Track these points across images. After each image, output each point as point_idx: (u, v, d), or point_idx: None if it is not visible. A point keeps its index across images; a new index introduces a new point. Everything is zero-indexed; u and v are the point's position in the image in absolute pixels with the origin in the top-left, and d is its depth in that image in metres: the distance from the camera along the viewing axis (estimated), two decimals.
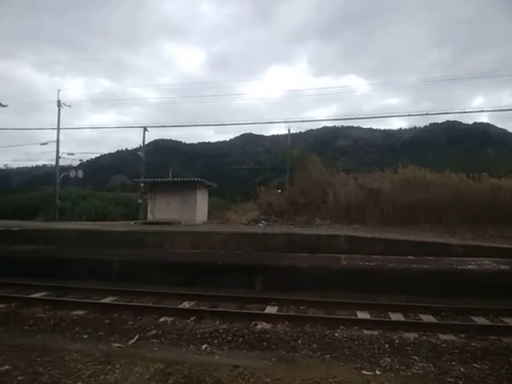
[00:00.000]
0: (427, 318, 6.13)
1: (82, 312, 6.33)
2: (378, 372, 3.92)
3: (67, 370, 3.62)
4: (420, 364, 4.22)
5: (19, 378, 3.45)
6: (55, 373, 3.55)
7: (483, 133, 71.77)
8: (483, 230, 13.00)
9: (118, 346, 4.72)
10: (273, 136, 74.93)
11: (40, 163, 46.38)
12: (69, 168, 28.42)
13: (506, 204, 13.69)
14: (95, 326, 5.63)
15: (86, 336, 5.21)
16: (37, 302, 7.01)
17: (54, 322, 5.82)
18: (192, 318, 5.95)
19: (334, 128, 77.70)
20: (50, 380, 3.40)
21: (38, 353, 4.08)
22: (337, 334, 5.23)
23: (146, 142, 28.03)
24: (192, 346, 4.85)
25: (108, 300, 7.25)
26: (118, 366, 3.72)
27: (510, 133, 72.44)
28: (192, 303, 7.04)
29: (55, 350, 4.24)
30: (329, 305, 6.86)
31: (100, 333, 5.33)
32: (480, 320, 6.07)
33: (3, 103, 24.90)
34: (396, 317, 6.20)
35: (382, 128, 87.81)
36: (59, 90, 26.30)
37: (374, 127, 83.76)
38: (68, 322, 5.78)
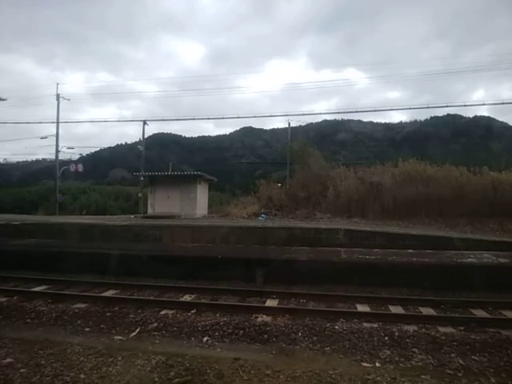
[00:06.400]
0: (427, 311, 6.16)
1: (83, 305, 6.37)
2: (377, 364, 3.94)
3: (69, 363, 3.64)
4: (419, 356, 4.25)
5: (22, 370, 3.47)
6: (57, 365, 3.58)
7: (484, 126, 71.41)
8: (483, 224, 13.01)
9: (120, 339, 4.74)
10: (273, 129, 74.65)
11: (39, 157, 46.34)
12: (68, 162, 28.38)
13: (506, 198, 13.68)
14: (97, 319, 5.66)
15: (87, 329, 5.24)
16: (38, 295, 7.04)
17: (56, 315, 5.85)
18: (193, 311, 5.99)
19: (335, 121, 77.27)
20: (53, 372, 3.42)
21: (40, 346, 4.10)
22: (337, 327, 5.26)
23: (146, 136, 27.91)
24: (193, 338, 4.87)
25: (109, 293, 7.29)
26: (119, 358, 3.74)
27: (511, 126, 72.09)
28: (193, 296, 7.08)
29: (57, 342, 4.26)
30: (329, 298, 6.88)
31: (101, 326, 5.35)
32: (479, 313, 6.10)
33: (2, 97, 24.73)
34: (396, 310, 6.23)
35: (383, 121, 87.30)
36: (58, 84, 26.15)
37: (375, 121, 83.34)
38: (69, 316, 5.82)
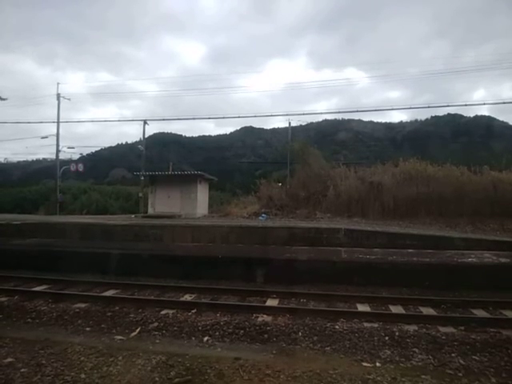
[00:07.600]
0: (427, 311, 6.16)
1: (83, 305, 6.38)
2: (378, 364, 3.94)
3: (70, 362, 3.64)
4: (420, 356, 4.25)
5: (22, 370, 3.47)
6: (58, 365, 3.58)
7: (485, 125, 71.26)
8: (484, 223, 12.99)
9: (120, 339, 4.75)
10: (273, 129, 74.67)
11: (40, 157, 46.42)
12: (69, 162, 28.42)
13: (506, 197, 13.66)
14: (97, 318, 5.67)
15: (88, 329, 5.25)
16: (39, 295, 7.05)
17: (57, 314, 5.86)
18: (193, 311, 5.99)
19: (335, 121, 77.29)
20: (53, 372, 3.42)
21: (40, 345, 4.11)
22: (337, 327, 5.26)
23: (146, 136, 27.92)
24: (193, 338, 4.88)
25: (110, 293, 7.30)
26: (120, 358, 3.74)
27: (511, 126, 71.96)
28: (193, 296, 7.08)
29: (58, 342, 4.27)
30: (329, 297, 6.88)
31: (102, 325, 5.36)
32: (480, 313, 6.10)
33: (3, 96, 24.75)
34: (396, 309, 6.23)
35: (383, 121, 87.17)
36: (58, 84, 26.17)
37: (375, 120, 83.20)
38: (70, 315, 5.82)
